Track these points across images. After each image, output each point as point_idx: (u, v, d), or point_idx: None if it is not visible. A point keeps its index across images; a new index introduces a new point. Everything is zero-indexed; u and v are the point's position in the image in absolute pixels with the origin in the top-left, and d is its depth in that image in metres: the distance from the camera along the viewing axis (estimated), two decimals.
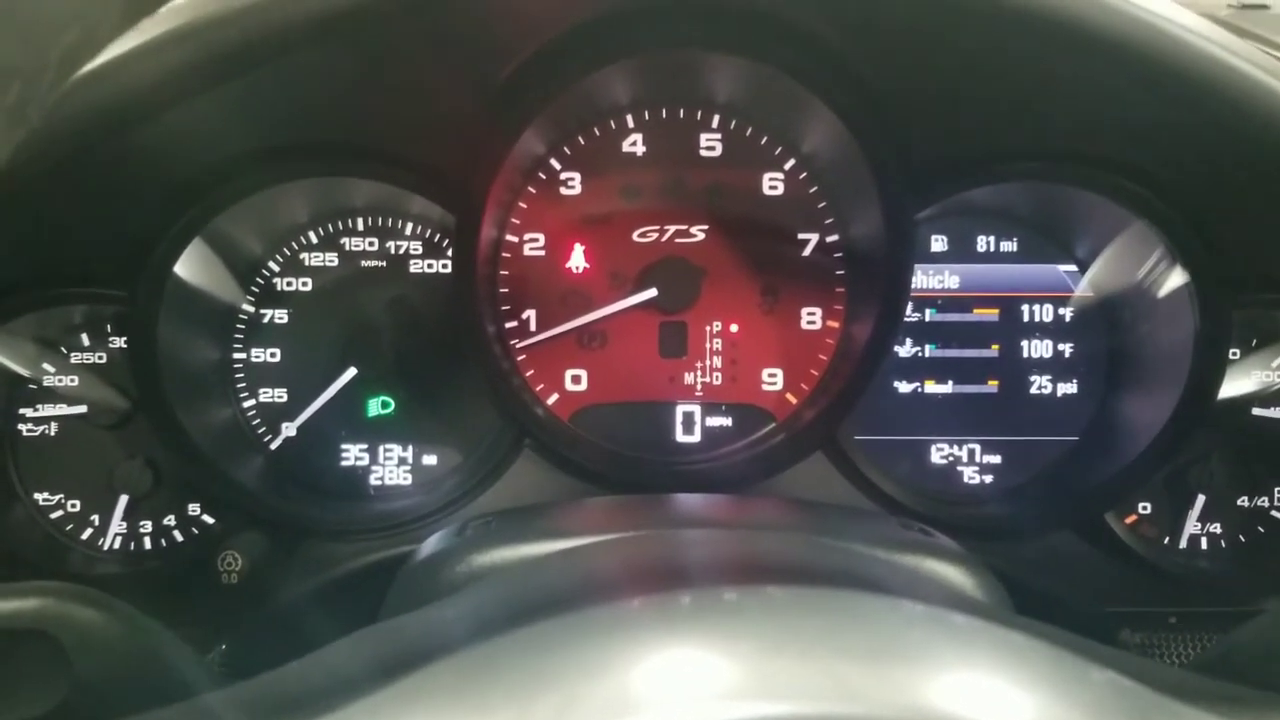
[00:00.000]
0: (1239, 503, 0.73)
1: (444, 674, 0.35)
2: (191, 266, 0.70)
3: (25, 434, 0.71)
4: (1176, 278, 0.70)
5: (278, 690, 0.40)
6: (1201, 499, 0.73)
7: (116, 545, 0.72)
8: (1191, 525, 0.73)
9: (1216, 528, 0.73)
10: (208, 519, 0.72)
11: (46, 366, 0.71)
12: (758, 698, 0.31)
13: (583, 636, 0.36)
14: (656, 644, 0.35)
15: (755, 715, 0.30)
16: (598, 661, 0.33)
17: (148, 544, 0.72)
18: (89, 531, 0.70)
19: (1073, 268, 0.74)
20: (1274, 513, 0.72)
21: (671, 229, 0.74)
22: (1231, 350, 0.73)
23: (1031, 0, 0.55)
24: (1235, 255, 0.66)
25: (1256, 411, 0.72)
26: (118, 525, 0.72)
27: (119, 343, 0.72)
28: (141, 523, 0.72)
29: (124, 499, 0.71)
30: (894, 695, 0.32)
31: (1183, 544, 0.73)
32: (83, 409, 0.72)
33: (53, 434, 0.72)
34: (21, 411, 0.71)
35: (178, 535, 0.71)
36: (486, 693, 0.34)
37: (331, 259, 0.75)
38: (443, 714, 0.33)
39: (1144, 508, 0.74)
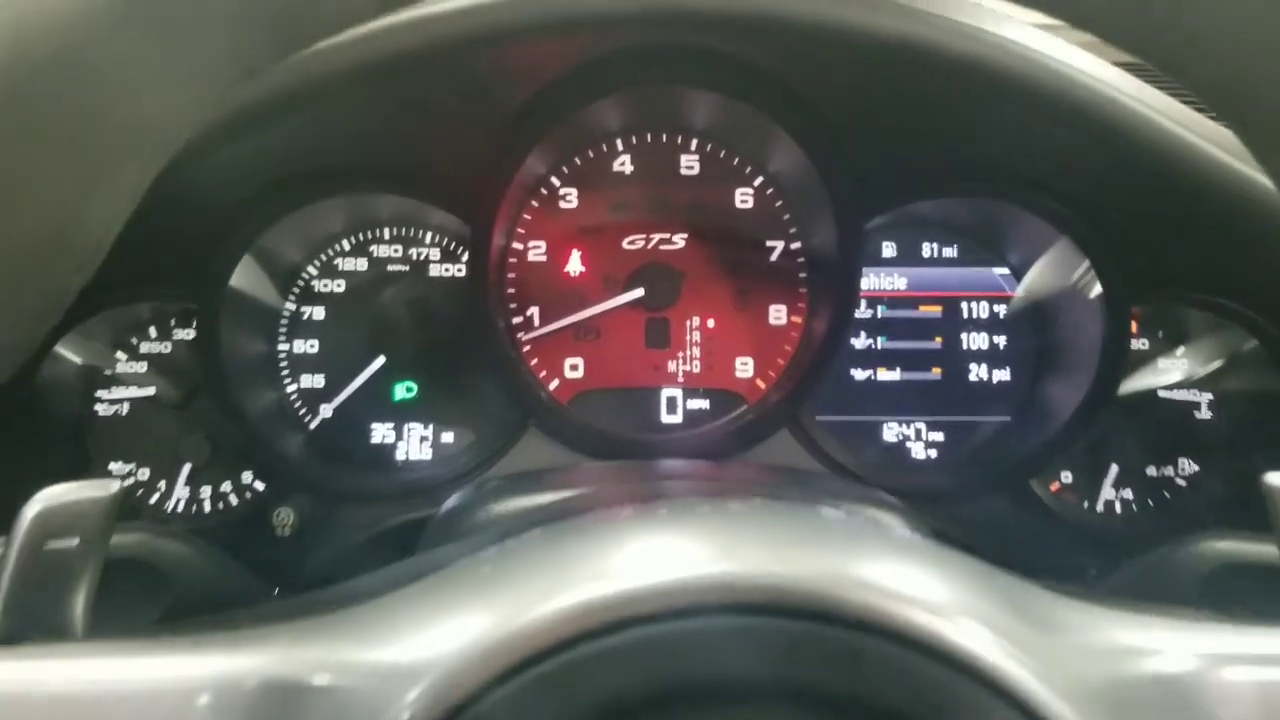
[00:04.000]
0: (1148, 472, 0.79)
1: (457, 571, 0.40)
2: (244, 272, 0.76)
3: (101, 414, 0.78)
4: (1094, 283, 0.76)
5: (328, 595, 0.47)
6: (1115, 468, 0.79)
7: (180, 508, 0.78)
8: (1107, 491, 0.79)
9: (1128, 493, 0.79)
10: (258, 485, 0.78)
11: (120, 355, 0.78)
12: (713, 565, 0.34)
13: (576, 534, 0.40)
14: (635, 535, 0.39)
15: (711, 580, 0.33)
16: (590, 549, 0.38)
17: (207, 507, 0.78)
18: (156, 496, 0.76)
19: (1006, 271, 0.81)
20: (1177, 480, 0.78)
21: (656, 238, 0.81)
22: (1142, 341, 0.79)
23: (952, 53, 0.61)
24: (1137, 261, 0.72)
25: (1161, 394, 0.79)
26: (181, 490, 0.78)
27: (181, 335, 0.78)
28: (201, 488, 0.78)
29: (187, 467, 0.78)
30: (816, 561, 0.35)
31: (1099, 507, 0.79)
32: (151, 391, 0.78)
33: (125, 413, 0.79)
34: (98, 394, 0.78)
35: (233, 499, 0.78)
36: (494, 579, 0.38)
37: (362, 264, 0.81)
38: (451, 600, 0.38)
39: (1065, 476, 0.80)
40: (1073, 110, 0.63)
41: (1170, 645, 0.37)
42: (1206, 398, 0.79)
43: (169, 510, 0.77)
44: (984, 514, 0.55)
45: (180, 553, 0.62)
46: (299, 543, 0.76)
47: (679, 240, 0.81)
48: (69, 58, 0.34)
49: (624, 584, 0.33)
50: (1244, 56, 0.37)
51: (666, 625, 0.33)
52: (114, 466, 0.77)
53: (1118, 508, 0.80)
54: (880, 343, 0.83)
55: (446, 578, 0.39)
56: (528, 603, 0.34)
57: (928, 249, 0.82)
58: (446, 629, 0.35)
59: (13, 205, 0.35)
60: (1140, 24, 0.37)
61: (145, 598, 0.53)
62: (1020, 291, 0.81)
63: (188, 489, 0.78)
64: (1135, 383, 0.79)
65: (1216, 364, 0.78)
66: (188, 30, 0.35)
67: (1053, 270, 0.78)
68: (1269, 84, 0.38)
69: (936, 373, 0.83)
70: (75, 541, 0.39)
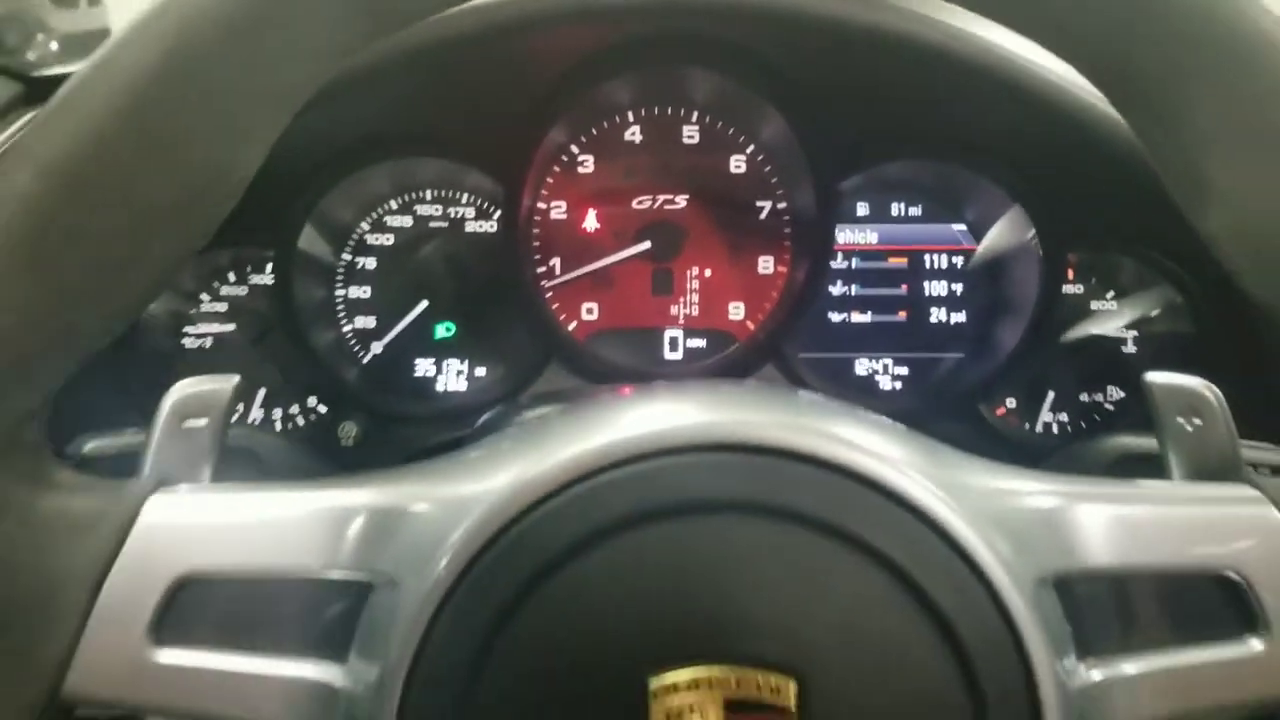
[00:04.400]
0: (1080, 398, 0.87)
1: (504, 434, 0.47)
2: (310, 227, 0.85)
3: (188, 346, 0.87)
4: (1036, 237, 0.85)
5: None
6: (1051, 395, 0.88)
7: (256, 426, 0.86)
8: (1045, 415, 0.88)
9: (1064, 416, 0.87)
10: (321, 409, 0.87)
11: (204, 297, 0.87)
12: (696, 418, 0.41)
13: (589, 404, 0.46)
14: (636, 402, 0.45)
15: (694, 427, 0.41)
16: (601, 412, 0.44)
17: (278, 426, 0.87)
18: (235, 416, 0.84)
19: (963, 227, 0.89)
20: (1106, 404, 0.87)
21: (661, 198, 0.89)
22: (1077, 286, 0.87)
23: (912, 40, 0.71)
24: (1071, 217, 0.81)
25: (1093, 331, 0.87)
26: (256, 412, 0.87)
27: (256, 281, 0.87)
28: (274, 410, 0.87)
29: (262, 392, 0.87)
30: (774, 415, 0.42)
31: (1039, 428, 0.88)
32: (231, 328, 0.87)
33: (209, 347, 0.87)
34: (185, 330, 0.86)
35: (299, 420, 0.87)
36: (531, 435, 0.44)
37: (407, 221, 0.89)
38: (500, 452, 0.44)
39: (1010, 402, 0.89)
40: (1011, 86, 0.72)
41: (1045, 488, 0.44)
42: (1132, 334, 0.87)
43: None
44: (940, 434, 0.66)
45: (276, 444, 0.73)
46: (359, 452, 0.85)
47: (681, 201, 0.89)
48: (229, 36, 0.38)
49: (629, 431, 0.41)
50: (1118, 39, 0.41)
51: (663, 460, 0.40)
52: None
53: (1054, 428, 0.88)
54: (854, 290, 0.91)
55: (496, 439, 0.47)
56: (555, 449, 0.41)
57: (896, 208, 0.90)
58: (498, 472, 0.42)
59: (175, 161, 0.39)
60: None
61: (249, 478, 0.64)
62: (980, 248, 0.89)
63: (262, 411, 0.87)
64: (1069, 322, 0.88)
65: (1141, 306, 0.86)
66: (314, 12, 0.39)
67: (1007, 229, 0.87)
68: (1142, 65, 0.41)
69: (902, 316, 0.91)
70: (204, 422, 0.46)
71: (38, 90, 0.93)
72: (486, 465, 0.43)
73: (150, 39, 0.38)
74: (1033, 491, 0.44)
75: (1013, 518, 0.42)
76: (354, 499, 0.43)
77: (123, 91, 0.37)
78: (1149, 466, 0.50)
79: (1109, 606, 0.42)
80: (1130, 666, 0.41)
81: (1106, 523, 0.42)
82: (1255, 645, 0.41)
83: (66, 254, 0.38)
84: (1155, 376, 0.47)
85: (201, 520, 0.42)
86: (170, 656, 0.40)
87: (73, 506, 0.41)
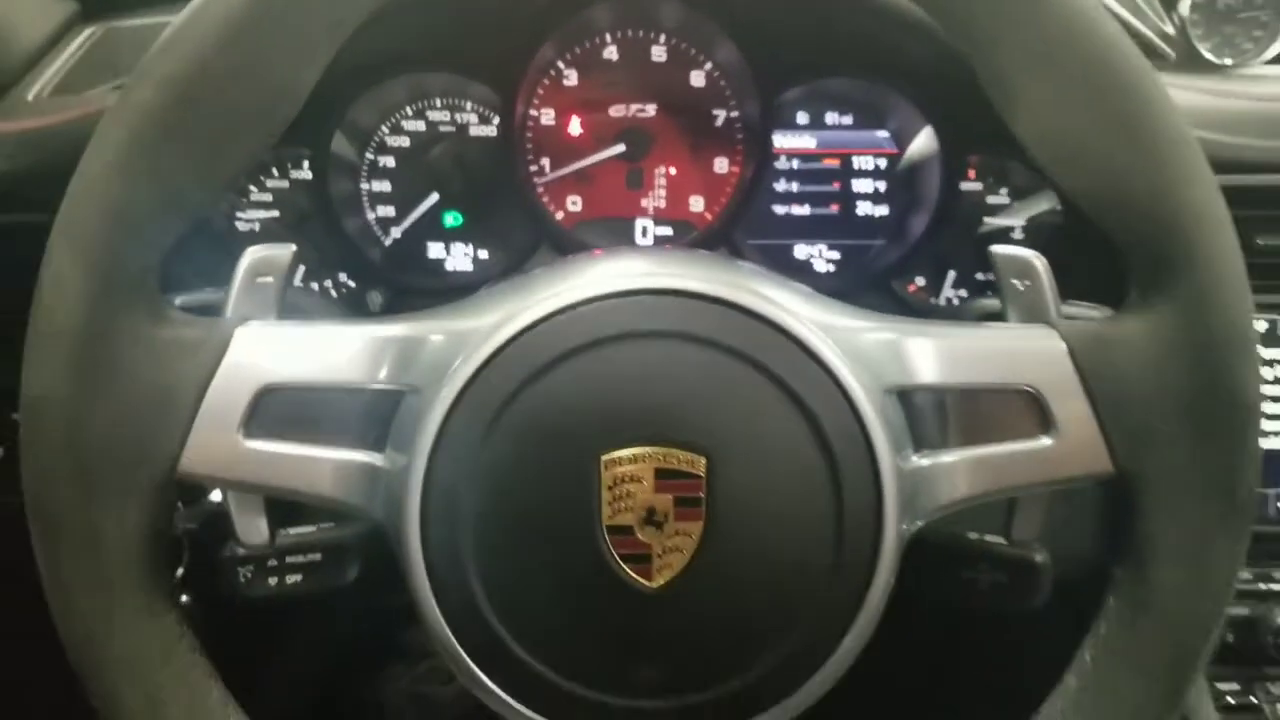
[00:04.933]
0: (976, 276, 0.94)
1: (503, 284, 0.54)
2: (341, 130, 0.91)
3: (240, 229, 0.93)
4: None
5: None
6: (952, 274, 0.95)
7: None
8: (947, 290, 0.95)
9: (964, 291, 0.94)
10: (351, 282, 0.94)
11: (252, 188, 0.92)
12: (652, 273, 0.49)
13: (568, 262, 0.54)
14: (598, 262, 0.53)
15: (649, 280, 0.49)
16: (577, 266, 0.52)
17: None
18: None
19: (886, 134, 0.94)
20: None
21: (634, 107, 0.93)
22: (976, 184, 0.92)
23: None
24: (972, 126, 0.84)
25: (988, 220, 0.93)
26: (297, 284, 0.92)
27: (295, 175, 0.92)
28: (311, 283, 0.93)
29: (301, 269, 0.93)
30: (708, 272, 0.50)
31: (942, 301, 0.95)
32: (275, 214, 0.93)
33: (257, 230, 0.93)
34: (237, 215, 0.92)
35: (333, 293, 0.94)
36: (524, 285, 0.52)
37: (420, 125, 0.93)
38: (500, 297, 0.51)
39: (919, 280, 0.95)
40: (920, 21, 0.77)
41: (892, 326, 0.52)
42: (1020, 222, 0.93)
43: None
44: (862, 304, 0.70)
45: (319, 303, 0.83)
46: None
47: (650, 110, 0.93)
48: None
49: (592, 280, 0.49)
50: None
51: (615, 300, 0.48)
52: None
53: (955, 300, 0.95)
54: (794, 186, 0.96)
55: (493, 289, 0.54)
56: (536, 293, 0.49)
57: (830, 118, 0.95)
58: (495, 311, 0.50)
59: (256, 79, 0.46)
60: None
61: None
62: (901, 154, 0.95)
63: (302, 285, 0.93)
64: (969, 214, 0.93)
65: (1029, 201, 0.91)
66: None
67: (920, 138, 0.93)
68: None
69: (835, 208, 0.96)
70: (271, 279, 0.52)
71: (92, 6, 0.97)
72: (486, 307, 0.51)
73: None
74: (882, 328, 0.52)
75: (866, 346, 0.50)
76: (389, 332, 0.51)
77: (220, 26, 0.46)
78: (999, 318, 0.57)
79: (938, 413, 0.51)
80: (949, 457, 0.50)
81: (936, 351, 0.51)
82: (1045, 441, 0.50)
83: (174, 147, 0.46)
84: (997, 248, 0.54)
85: (277, 347, 0.50)
86: (255, 445, 0.49)
87: (182, 336, 0.49)
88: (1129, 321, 0.50)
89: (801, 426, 0.48)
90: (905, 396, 0.51)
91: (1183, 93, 0.89)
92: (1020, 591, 0.53)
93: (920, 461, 0.50)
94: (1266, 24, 0.96)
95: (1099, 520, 0.63)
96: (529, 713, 0.49)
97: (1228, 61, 0.97)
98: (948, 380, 0.51)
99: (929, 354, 0.51)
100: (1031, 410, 0.50)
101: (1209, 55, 0.97)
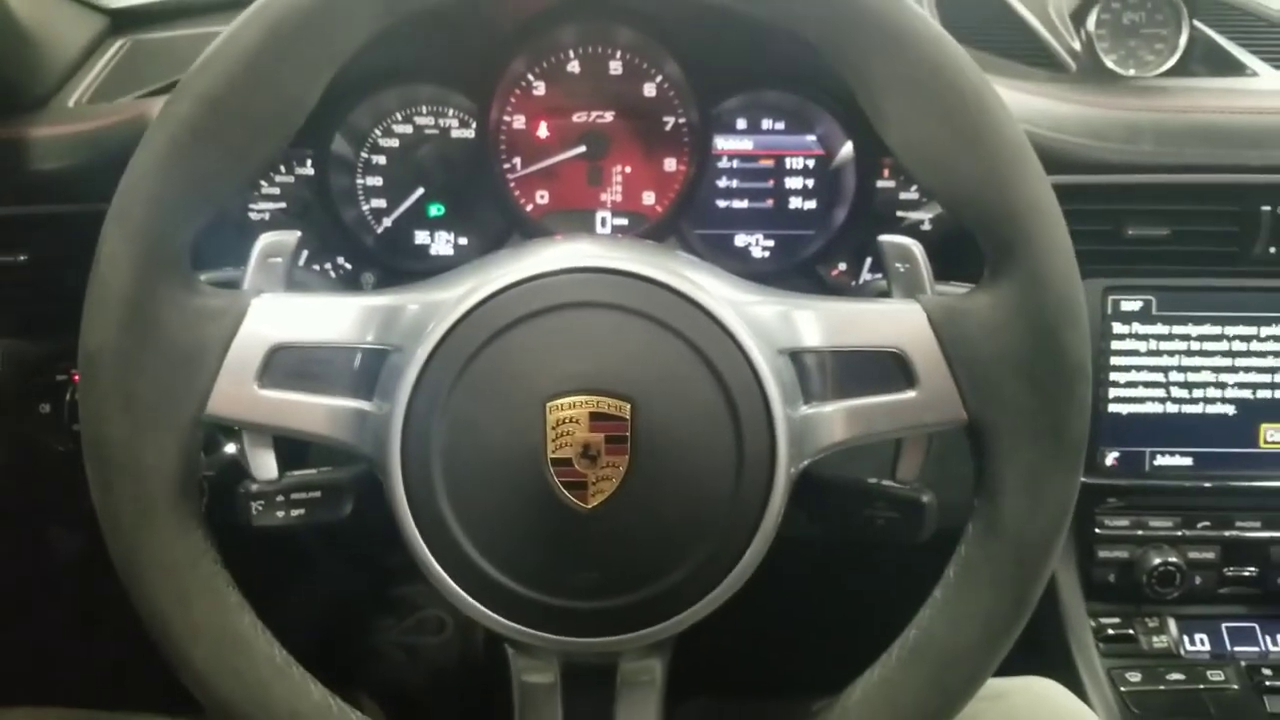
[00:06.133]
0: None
1: (473, 263, 0.58)
2: (340, 133, 0.96)
3: (253, 218, 0.97)
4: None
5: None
6: (869, 260, 0.99)
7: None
8: (865, 274, 1.00)
9: (880, 276, 0.91)
10: (347, 265, 0.98)
11: (263, 183, 0.96)
12: (602, 254, 0.54)
13: (531, 245, 0.58)
14: (559, 243, 0.57)
15: (597, 261, 0.53)
16: (535, 250, 0.56)
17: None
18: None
19: (814, 138, 0.99)
20: None
21: (594, 114, 0.97)
22: (890, 181, 0.97)
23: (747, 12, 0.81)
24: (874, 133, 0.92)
25: (899, 213, 0.98)
26: (301, 265, 0.96)
27: (299, 171, 0.97)
28: (313, 265, 0.97)
29: (305, 251, 0.97)
30: (644, 257, 0.54)
31: (860, 283, 0.99)
32: (283, 205, 0.97)
33: (266, 219, 0.97)
34: (249, 206, 0.97)
35: (331, 274, 0.98)
36: (490, 263, 0.56)
37: (408, 128, 0.98)
38: (468, 274, 0.56)
39: (841, 265, 1.00)
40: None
41: (784, 299, 0.57)
42: (928, 215, 0.98)
43: None
44: (791, 287, 0.73)
45: (320, 280, 0.90)
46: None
47: (609, 116, 0.97)
48: (305, 28, 0.51)
49: (545, 259, 0.54)
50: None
51: (561, 276, 0.53)
52: None
53: (872, 283, 0.99)
54: (734, 183, 1.00)
55: (462, 267, 0.58)
56: (498, 269, 0.54)
57: (765, 124, 0.99)
58: (463, 284, 0.54)
59: (273, 95, 0.52)
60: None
61: None
62: (826, 157, 0.99)
63: (305, 266, 0.97)
64: (884, 208, 0.98)
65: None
66: (350, 16, 0.52)
67: (846, 144, 0.97)
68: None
69: (769, 203, 1.01)
70: (280, 259, 0.57)
71: (119, 21, 1.01)
72: (456, 281, 0.56)
73: (256, 23, 0.51)
74: (776, 301, 0.56)
75: (763, 316, 0.55)
76: (376, 302, 0.56)
77: (243, 53, 0.52)
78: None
79: (822, 371, 0.56)
80: (830, 407, 0.55)
81: (819, 320, 0.56)
82: (910, 394, 0.55)
83: (206, 150, 0.53)
84: (884, 237, 0.58)
85: (285, 314, 0.55)
86: (268, 394, 0.54)
87: (209, 304, 0.54)
88: (979, 296, 0.54)
89: (709, 380, 0.53)
90: (795, 357, 0.55)
91: (1078, 108, 0.95)
92: (909, 527, 0.58)
93: (807, 410, 0.55)
94: (1166, 38, 1.02)
95: None
96: (488, 612, 0.54)
97: (1131, 72, 1.02)
98: (829, 344, 0.56)
99: (813, 322, 0.56)
100: (898, 369, 0.55)
101: (1114, 67, 1.02)
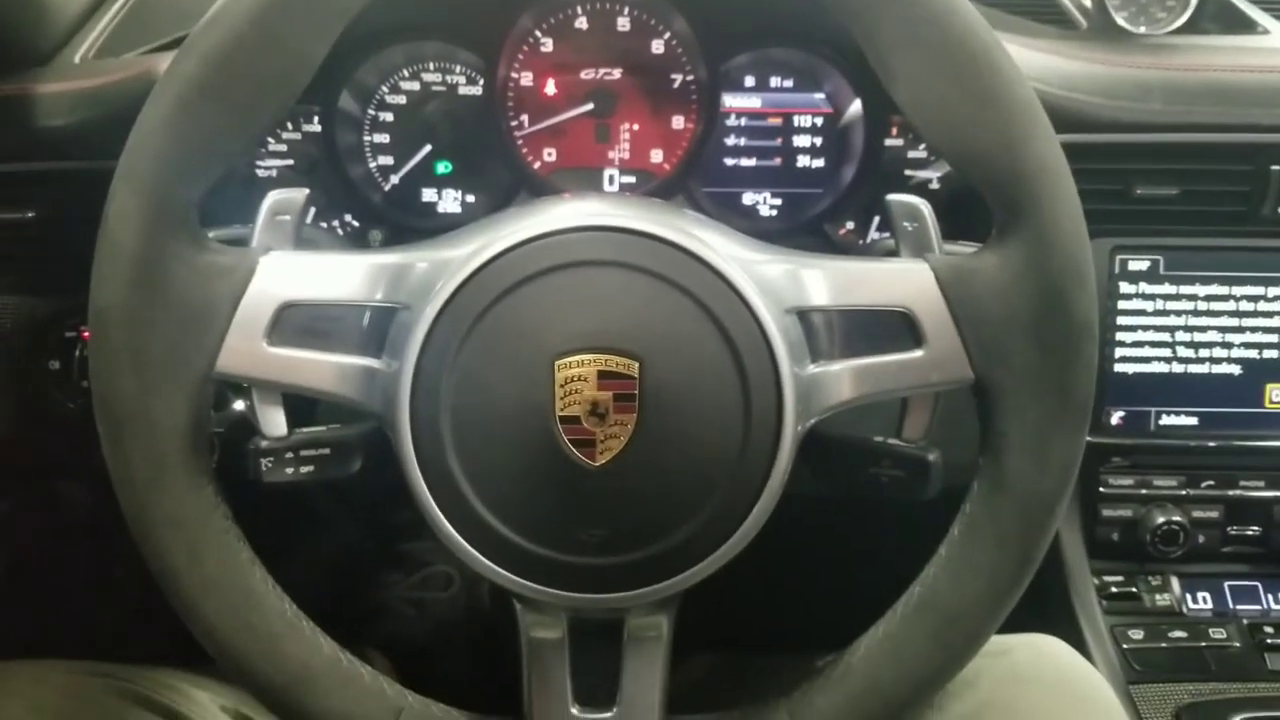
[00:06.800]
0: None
1: (480, 221, 0.58)
2: (347, 90, 0.95)
3: (260, 175, 0.97)
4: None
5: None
6: (877, 219, 1.00)
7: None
8: (873, 233, 1.00)
9: (887, 233, 0.92)
10: (355, 223, 0.98)
11: (270, 140, 0.96)
12: (609, 213, 0.54)
13: (539, 202, 0.57)
14: (568, 201, 0.57)
15: (605, 219, 0.53)
16: (544, 207, 0.55)
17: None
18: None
19: (823, 96, 0.98)
20: None
21: (602, 71, 0.97)
22: (898, 140, 0.97)
23: None
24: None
25: (907, 172, 0.98)
26: (309, 222, 0.95)
27: (307, 129, 0.96)
28: (320, 223, 0.97)
29: (313, 209, 0.96)
30: (652, 215, 0.54)
31: (868, 242, 1.00)
32: (290, 162, 0.97)
33: (274, 176, 0.97)
34: (258, 163, 0.96)
35: (339, 231, 0.98)
36: (499, 220, 0.56)
37: (415, 85, 0.97)
38: (477, 231, 0.56)
39: (849, 224, 1.00)
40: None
41: (792, 258, 0.57)
42: (936, 174, 0.98)
43: None
44: (800, 246, 0.73)
45: (328, 238, 0.90)
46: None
47: (616, 73, 0.97)
48: None
49: (553, 217, 0.54)
50: None
51: (569, 235, 0.53)
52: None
53: (880, 242, 0.99)
54: (742, 141, 1.00)
55: (471, 225, 0.58)
56: (506, 228, 0.54)
57: (774, 81, 0.99)
58: (471, 243, 0.54)
59: (281, 51, 0.51)
60: None
61: None
62: (842, 117, 0.99)
63: (313, 223, 0.97)
64: (892, 166, 0.98)
65: None
66: None
67: (854, 102, 0.97)
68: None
69: (777, 161, 1.01)
70: (289, 216, 0.57)
71: None
72: (464, 239, 0.56)
73: None
74: (784, 260, 0.57)
75: (771, 275, 0.55)
76: (385, 260, 0.56)
77: (251, 10, 0.52)
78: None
79: (829, 330, 0.56)
80: (837, 365, 0.56)
81: (827, 279, 0.56)
82: (917, 353, 0.55)
83: (213, 108, 0.53)
84: (891, 196, 0.59)
85: (294, 272, 0.55)
86: (277, 351, 0.54)
87: (218, 261, 0.54)
88: (987, 255, 0.54)
89: (717, 338, 0.53)
90: (803, 316, 0.56)
91: (1088, 65, 0.94)
92: (915, 485, 0.58)
93: (814, 369, 0.55)
94: None
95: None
96: (496, 568, 0.55)
97: (1142, 30, 1.01)
98: (836, 303, 0.56)
99: (821, 281, 0.56)
100: (906, 328, 0.55)
101: (1124, 24, 1.01)
